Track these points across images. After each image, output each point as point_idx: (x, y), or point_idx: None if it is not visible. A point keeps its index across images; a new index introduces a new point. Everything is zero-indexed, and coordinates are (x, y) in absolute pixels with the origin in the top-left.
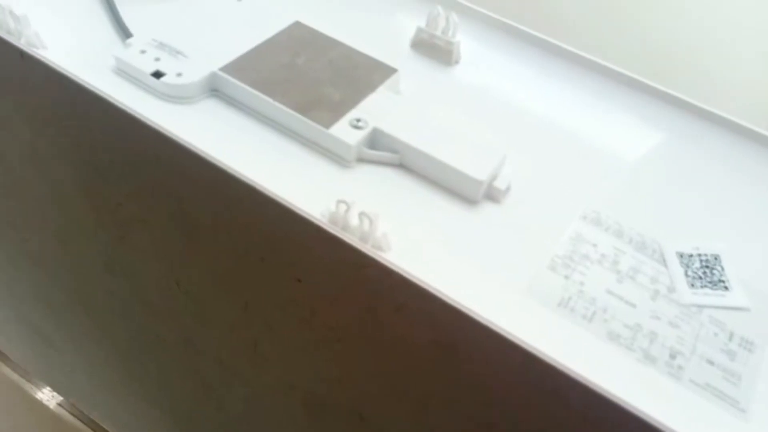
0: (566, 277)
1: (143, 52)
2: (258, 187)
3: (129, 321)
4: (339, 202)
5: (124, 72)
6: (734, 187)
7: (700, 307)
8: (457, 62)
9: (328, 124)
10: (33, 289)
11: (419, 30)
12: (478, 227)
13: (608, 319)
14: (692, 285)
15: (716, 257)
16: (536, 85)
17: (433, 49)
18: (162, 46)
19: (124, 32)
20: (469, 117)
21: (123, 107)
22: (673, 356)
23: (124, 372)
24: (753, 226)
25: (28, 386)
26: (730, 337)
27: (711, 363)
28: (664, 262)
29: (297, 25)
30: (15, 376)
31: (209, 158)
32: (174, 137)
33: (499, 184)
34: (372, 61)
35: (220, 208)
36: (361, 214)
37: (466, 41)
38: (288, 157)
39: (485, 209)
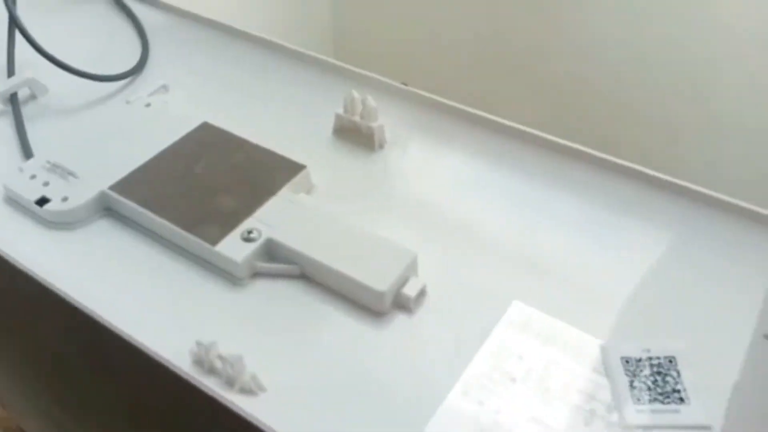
0: (480, 403)
1: (33, 177)
2: (114, 328)
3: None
4: (198, 343)
5: (11, 200)
6: (693, 274)
7: (647, 429)
8: (381, 147)
9: (215, 240)
10: (45, 386)
11: (338, 116)
12: (382, 346)
13: None
14: (638, 400)
15: (671, 360)
16: (468, 168)
17: (356, 134)
18: (54, 168)
19: (25, 153)
20: (383, 211)
21: None
22: None
23: None
24: (719, 319)
25: None
26: None
27: None
28: (605, 371)
29: (204, 127)
30: None
31: (65, 296)
32: (29, 272)
33: (409, 290)
34: (280, 159)
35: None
36: (221, 358)
37: (393, 123)
38: (175, 279)
39: (393, 322)
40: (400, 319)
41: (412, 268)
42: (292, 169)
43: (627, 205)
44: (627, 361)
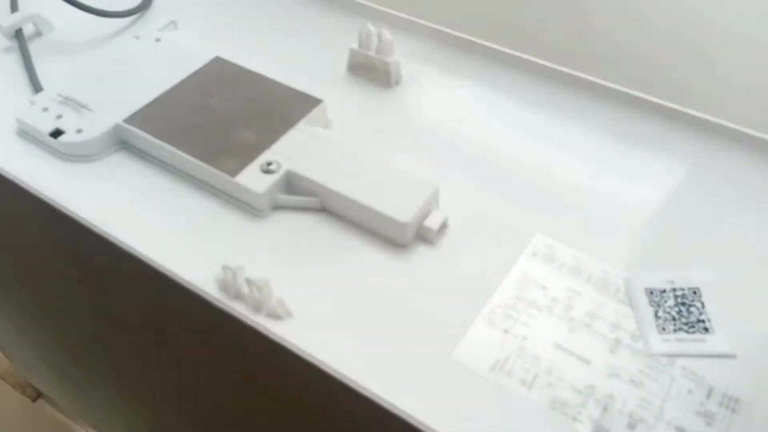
0: (505, 331)
1: (45, 109)
2: (137, 254)
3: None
4: (224, 267)
5: (26, 133)
6: (720, 205)
7: (672, 356)
8: (397, 83)
9: (234, 172)
10: (54, 337)
11: (353, 52)
12: (406, 276)
13: (553, 382)
14: (663, 329)
15: (695, 291)
16: (485, 103)
17: (371, 70)
18: (66, 101)
19: (35, 87)
20: (401, 147)
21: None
22: (632, 426)
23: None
24: (744, 249)
25: (74, 426)
26: (709, 393)
27: (682, 431)
28: (629, 302)
29: (217, 62)
30: (61, 417)
31: (87, 224)
32: (50, 201)
33: (431, 223)
34: (295, 93)
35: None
36: (249, 282)
37: (409, 58)
38: (196, 210)
39: (416, 254)
40: (422, 251)
41: (433, 201)
42: (309, 103)
43: (642, 137)
44: (651, 292)
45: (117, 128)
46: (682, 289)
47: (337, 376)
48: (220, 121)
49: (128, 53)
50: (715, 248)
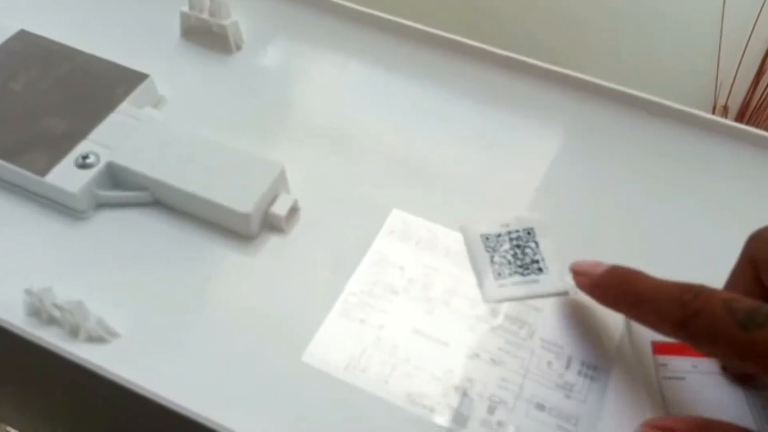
0: (362, 321)
1: None
2: None
3: None
4: (27, 291)
5: None
6: (562, 149)
7: (504, 301)
8: (238, 48)
9: (44, 170)
10: None
11: (184, 15)
12: (254, 273)
13: (411, 372)
14: (499, 275)
15: (529, 231)
16: (338, 69)
17: (207, 35)
18: None
19: None
20: (244, 123)
21: None
22: (491, 410)
23: None
24: (582, 192)
25: None
26: (568, 363)
27: (542, 408)
28: (467, 252)
29: (21, 36)
30: None
31: None
32: None
33: (279, 209)
34: (117, 69)
35: None
36: (56, 306)
37: (251, 19)
38: (3, 218)
39: (265, 245)
40: (273, 242)
41: (280, 184)
42: (133, 79)
43: (511, 100)
44: (487, 238)
45: None
46: (517, 231)
47: (169, 406)
48: (25, 109)
49: None
50: (559, 194)
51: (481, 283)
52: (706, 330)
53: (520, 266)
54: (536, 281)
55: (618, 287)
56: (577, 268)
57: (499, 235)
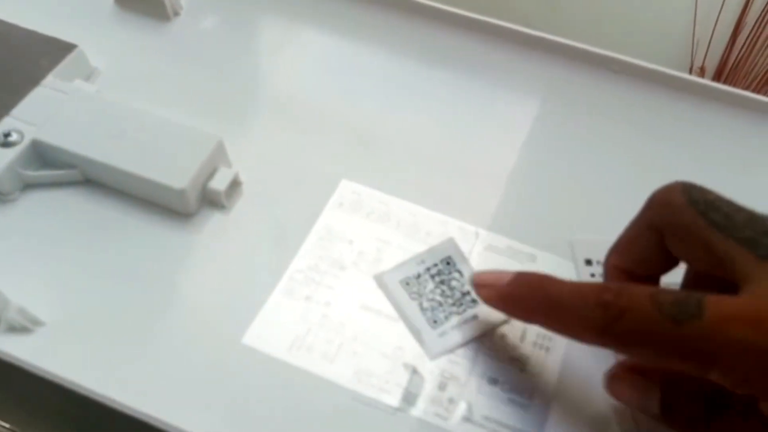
0: (307, 298)
1: None
2: None
3: None
4: None
5: None
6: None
7: (451, 351)
8: (176, 14)
9: None
10: None
11: None
12: (193, 252)
13: (359, 350)
14: (435, 322)
15: (448, 262)
16: (284, 34)
17: (144, 1)
18: None
19: None
20: (181, 94)
21: None
22: (443, 386)
23: None
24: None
25: None
26: (522, 336)
27: (495, 382)
28: (390, 301)
29: None
30: None
31: None
32: None
33: (218, 184)
34: (43, 39)
35: None
36: None
37: None
38: None
39: (205, 223)
40: (213, 219)
41: (219, 157)
42: (60, 50)
43: (482, 67)
44: (407, 283)
45: None
46: (436, 265)
47: (97, 398)
48: None
49: None
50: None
51: (420, 339)
52: (634, 330)
53: (453, 304)
54: (475, 316)
55: (529, 296)
56: (479, 280)
57: (418, 276)
